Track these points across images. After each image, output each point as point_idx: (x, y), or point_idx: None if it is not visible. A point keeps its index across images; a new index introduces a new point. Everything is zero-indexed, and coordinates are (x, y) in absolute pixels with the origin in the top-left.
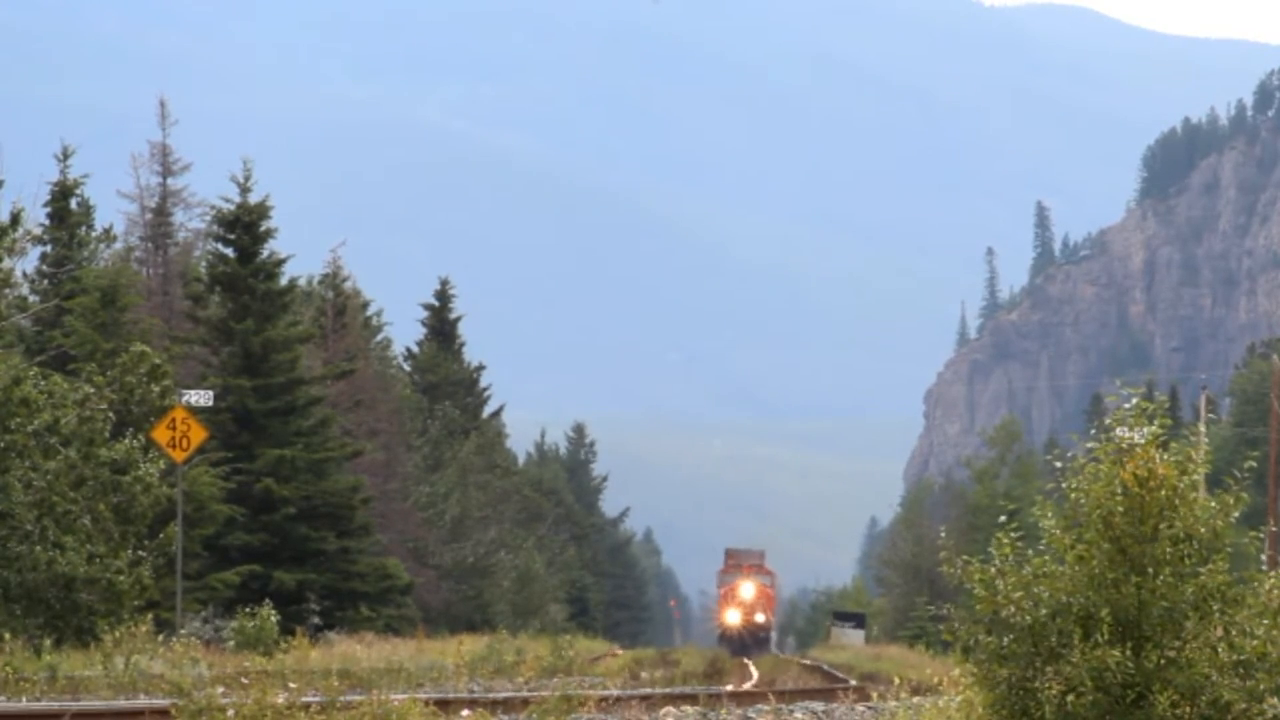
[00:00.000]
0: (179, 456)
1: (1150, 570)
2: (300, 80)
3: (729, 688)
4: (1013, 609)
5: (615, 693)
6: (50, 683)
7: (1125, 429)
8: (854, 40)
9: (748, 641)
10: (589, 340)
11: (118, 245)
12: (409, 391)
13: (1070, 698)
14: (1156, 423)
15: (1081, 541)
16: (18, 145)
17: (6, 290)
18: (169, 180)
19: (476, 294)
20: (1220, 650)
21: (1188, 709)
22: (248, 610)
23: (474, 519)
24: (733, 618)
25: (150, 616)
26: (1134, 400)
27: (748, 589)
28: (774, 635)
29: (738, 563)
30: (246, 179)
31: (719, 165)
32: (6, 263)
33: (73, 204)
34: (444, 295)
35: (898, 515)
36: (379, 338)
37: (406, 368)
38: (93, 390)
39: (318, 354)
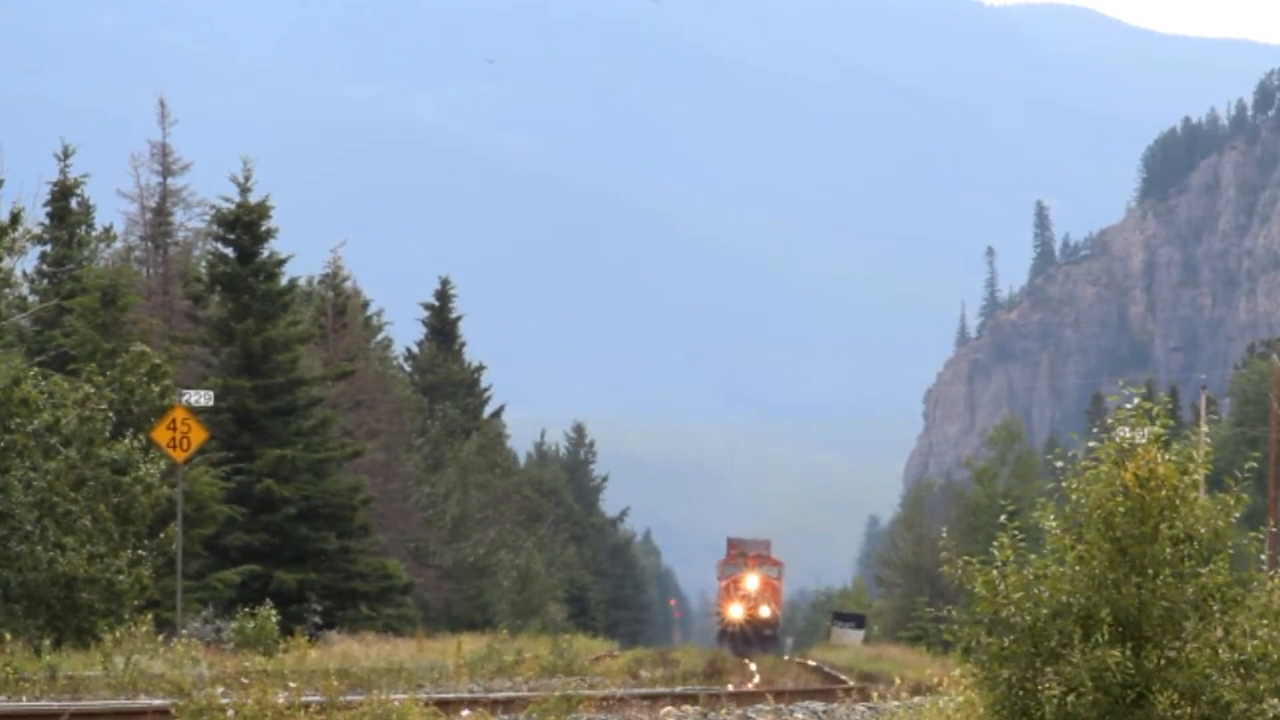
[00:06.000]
0: (179, 456)
1: (1151, 571)
2: (300, 80)
3: (729, 688)
4: (1013, 609)
5: (617, 692)
6: (50, 683)
7: (1126, 429)
8: (854, 40)
9: (751, 638)
10: (589, 340)
11: (118, 245)
12: (409, 391)
13: (1071, 698)
14: (1159, 423)
15: (1082, 542)
16: (18, 145)
17: (6, 290)
18: (169, 180)
19: (476, 294)
20: (1220, 651)
21: (1188, 709)
22: (248, 610)
23: (474, 519)
24: (736, 612)
25: (150, 616)
26: (1136, 400)
27: (752, 581)
28: (780, 633)
29: (741, 552)
30: (246, 179)
31: (719, 165)
32: (6, 262)
33: (73, 204)
34: (444, 295)
35: (898, 515)
36: (379, 338)
37: (407, 368)
38: (93, 390)
39: (318, 354)
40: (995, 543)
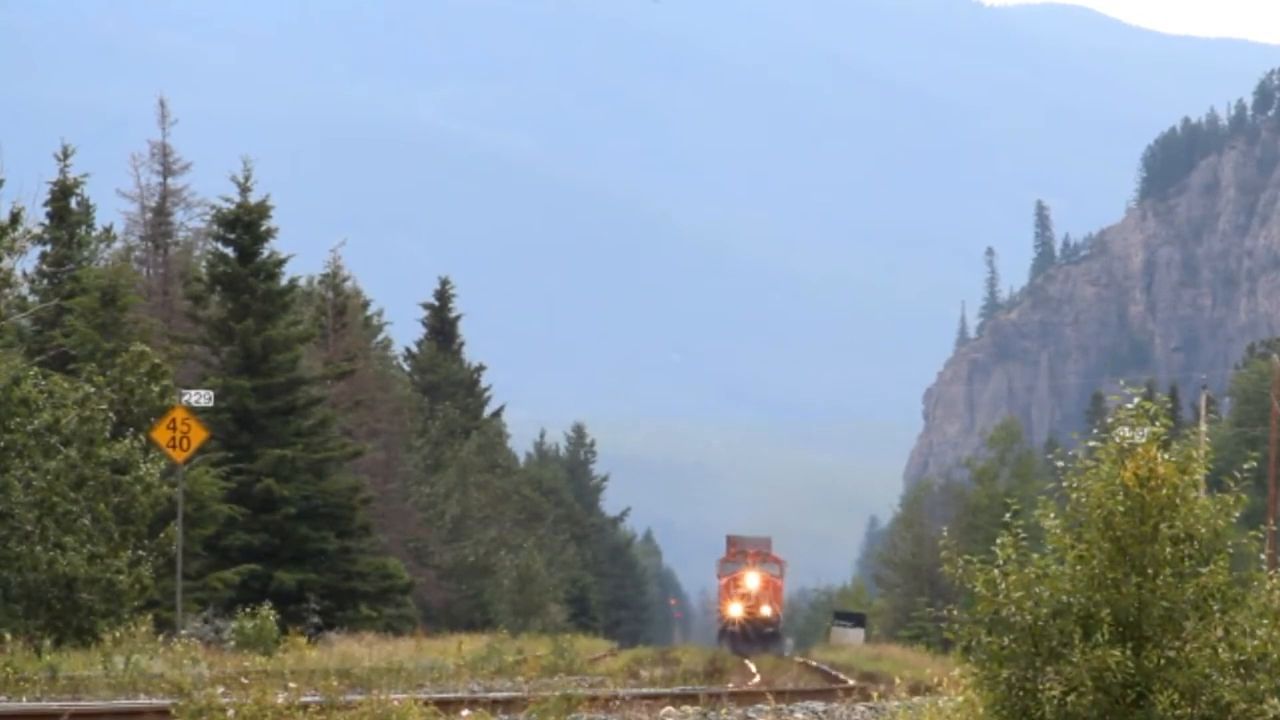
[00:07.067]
0: (179, 456)
1: (1151, 570)
2: (300, 80)
3: (730, 687)
4: (1013, 609)
5: (618, 692)
6: (50, 683)
7: (1126, 429)
8: (854, 40)
9: (752, 637)
10: (589, 340)
11: (118, 245)
12: (409, 391)
13: (1071, 698)
14: (1158, 423)
15: (1082, 541)
16: (18, 145)
17: (6, 290)
18: (169, 180)
19: (476, 294)
20: (1220, 650)
21: (1188, 709)
22: (248, 610)
23: (474, 519)
24: (736, 610)
25: (150, 616)
26: (1135, 400)
27: (753, 579)
28: (780, 632)
29: (741, 550)
30: (246, 179)
31: (719, 165)
32: (6, 262)
33: (73, 203)
34: (444, 295)
35: (898, 515)
36: (379, 338)
37: (406, 368)
38: (93, 390)
39: (318, 354)
40: (997, 541)
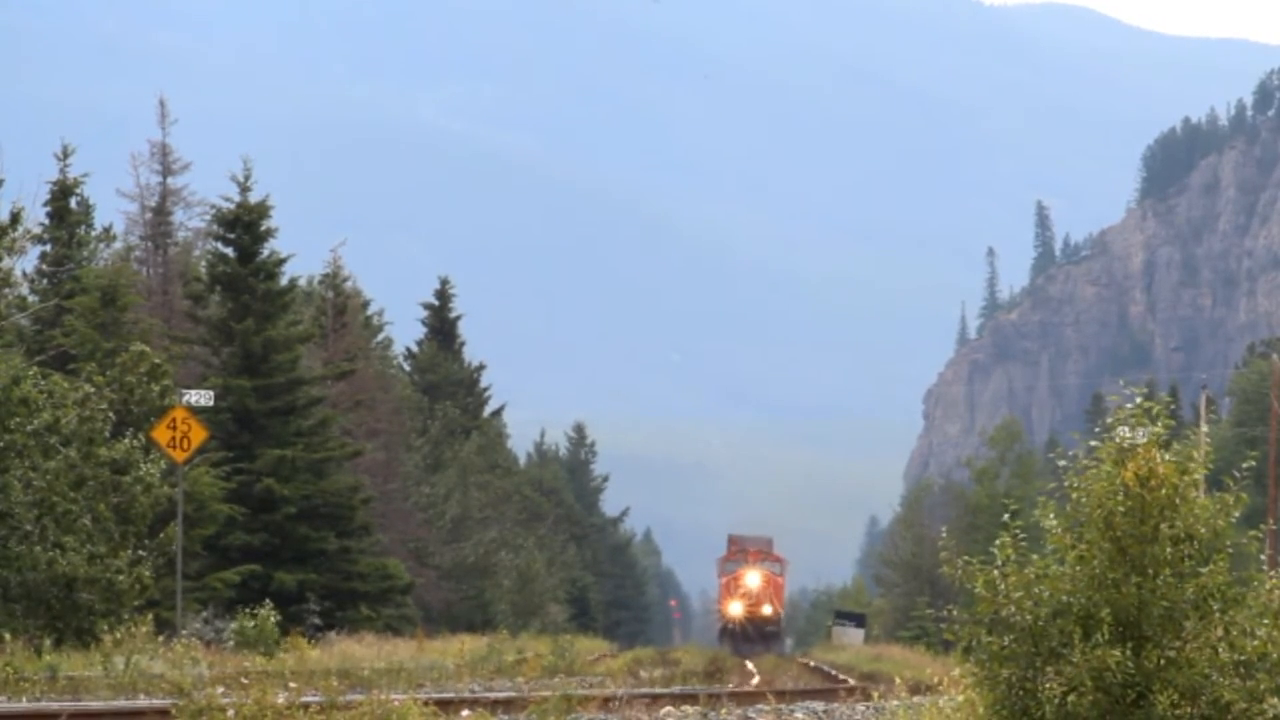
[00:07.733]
0: (179, 456)
1: (1151, 570)
2: (300, 80)
3: (730, 687)
4: (1013, 609)
5: (618, 692)
6: (50, 683)
7: (1127, 429)
8: (854, 40)
9: (753, 636)
10: (589, 340)
11: (118, 245)
12: (409, 391)
13: (1071, 698)
14: (1160, 423)
15: (1082, 541)
16: (17, 145)
17: (6, 290)
18: (169, 180)
19: (476, 294)
20: (1221, 650)
21: (1188, 709)
22: (248, 610)
23: (474, 519)
24: (736, 609)
25: (150, 616)
26: (1137, 400)
27: (753, 578)
28: (785, 634)
29: (742, 548)
30: (246, 179)
31: (719, 165)
32: (6, 262)
33: (72, 203)
34: (444, 295)
35: (898, 515)
36: (379, 338)
37: (407, 367)
38: (93, 390)
39: (318, 354)
40: (996, 542)
